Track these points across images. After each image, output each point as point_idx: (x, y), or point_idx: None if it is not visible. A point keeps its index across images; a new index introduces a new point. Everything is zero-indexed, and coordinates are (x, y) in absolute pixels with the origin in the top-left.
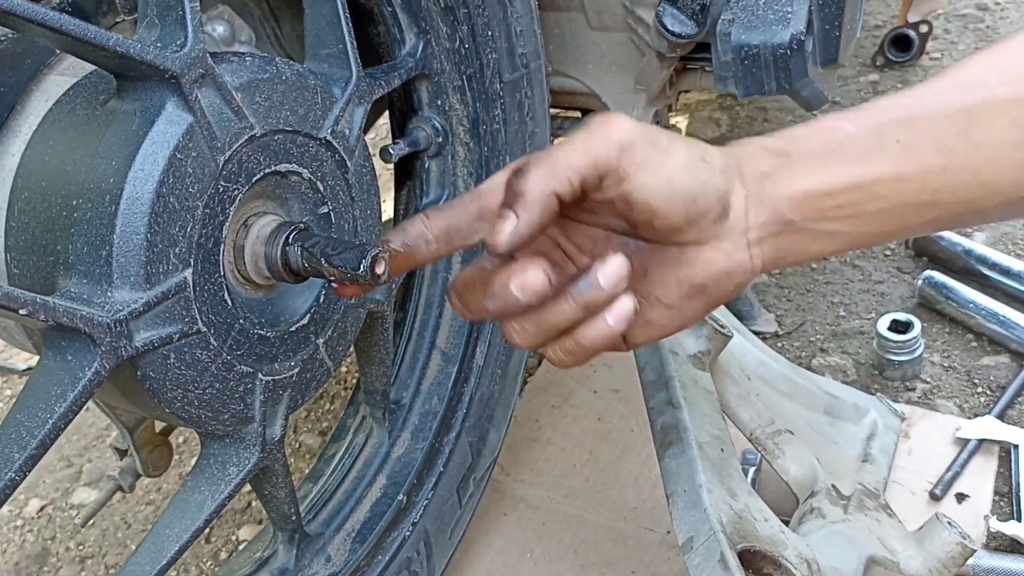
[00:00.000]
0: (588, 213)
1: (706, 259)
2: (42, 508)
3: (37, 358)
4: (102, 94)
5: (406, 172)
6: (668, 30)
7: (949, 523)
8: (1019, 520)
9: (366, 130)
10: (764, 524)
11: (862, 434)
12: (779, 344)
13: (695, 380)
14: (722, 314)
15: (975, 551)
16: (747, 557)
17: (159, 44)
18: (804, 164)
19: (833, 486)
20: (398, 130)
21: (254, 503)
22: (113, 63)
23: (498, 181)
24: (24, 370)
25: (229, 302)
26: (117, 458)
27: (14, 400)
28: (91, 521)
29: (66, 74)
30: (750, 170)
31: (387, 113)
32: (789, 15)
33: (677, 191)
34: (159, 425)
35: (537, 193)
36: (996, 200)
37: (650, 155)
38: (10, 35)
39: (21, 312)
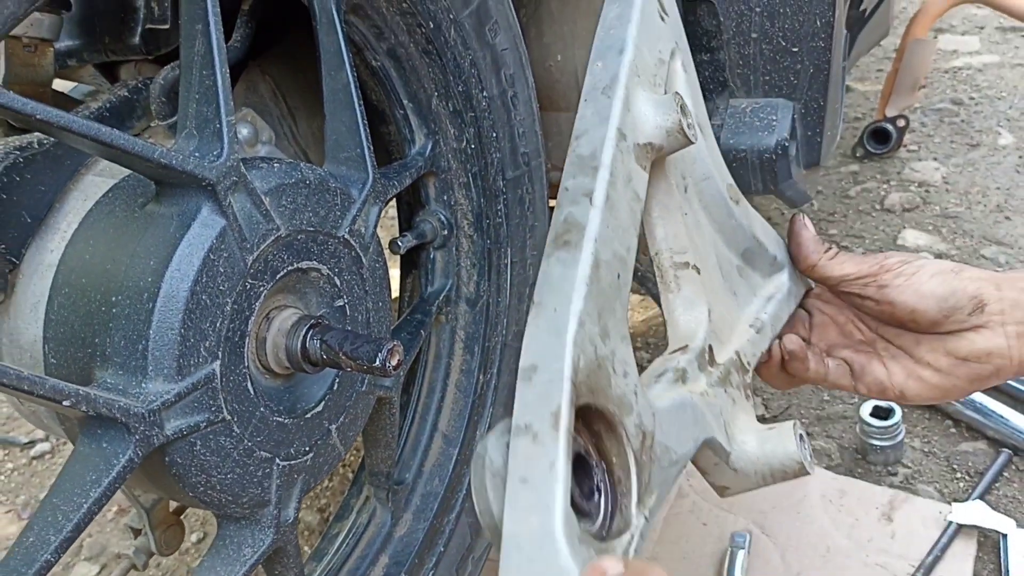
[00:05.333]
0: (871, 305)
1: (969, 338)
2: None
3: (42, 432)
4: (140, 197)
5: (412, 262)
6: None
7: (802, 437)
8: None
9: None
10: (621, 379)
11: (764, 292)
12: None
13: (629, 178)
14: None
15: (809, 474)
16: (585, 411)
17: (197, 154)
18: None
19: (710, 347)
20: (406, 222)
21: None
22: (155, 171)
23: None
24: (25, 443)
25: (251, 391)
26: (132, 537)
27: (15, 473)
28: None
29: (103, 175)
30: (1014, 284)
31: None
32: (774, 122)
33: (927, 293)
34: (173, 504)
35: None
36: None
37: (905, 269)
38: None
39: (65, 403)
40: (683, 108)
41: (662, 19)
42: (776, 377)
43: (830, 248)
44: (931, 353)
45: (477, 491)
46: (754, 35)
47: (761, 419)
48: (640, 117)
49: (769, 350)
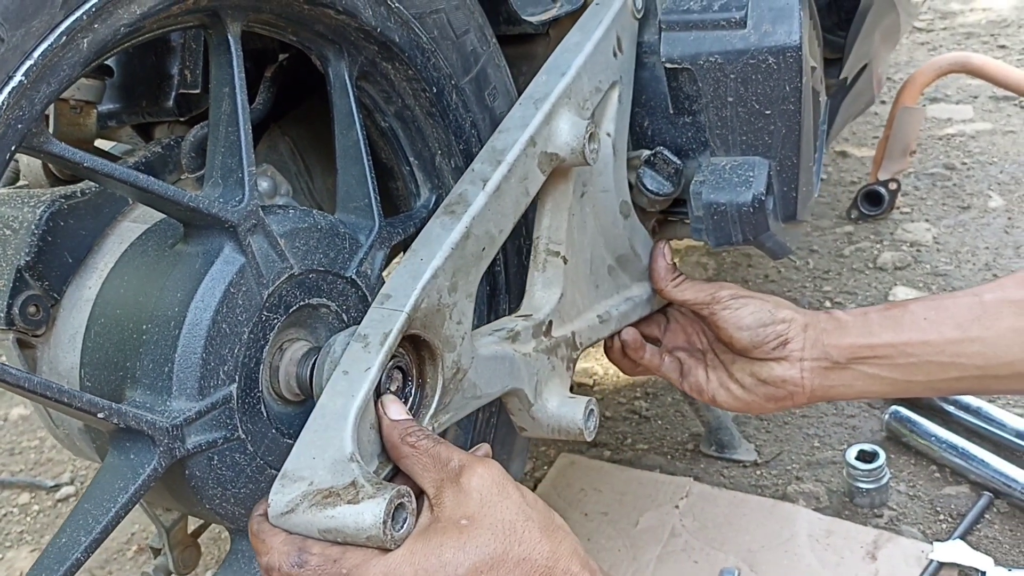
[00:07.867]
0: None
1: (771, 366)
2: None
3: (67, 476)
4: (170, 239)
5: None
6: (648, 189)
7: (592, 412)
8: None
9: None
10: (454, 325)
11: (627, 293)
12: (757, 472)
13: (525, 176)
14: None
15: (587, 441)
16: (416, 338)
17: (221, 199)
18: (855, 329)
19: (550, 322)
20: None
21: None
22: (184, 214)
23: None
24: (51, 487)
25: (264, 414)
26: (151, 556)
27: (40, 515)
28: None
29: (137, 221)
30: (816, 325)
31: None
32: (751, 178)
33: (744, 327)
34: (190, 527)
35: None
36: (1007, 370)
37: (731, 303)
38: (93, 188)
39: (99, 415)
40: (591, 136)
41: (615, 55)
42: (621, 361)
43: (678, 276)
44: (740, 372)
45: (317, 368)
46: (730, 99)
47: (754, 464)
48: (555, 131)
49: (614, 338)
